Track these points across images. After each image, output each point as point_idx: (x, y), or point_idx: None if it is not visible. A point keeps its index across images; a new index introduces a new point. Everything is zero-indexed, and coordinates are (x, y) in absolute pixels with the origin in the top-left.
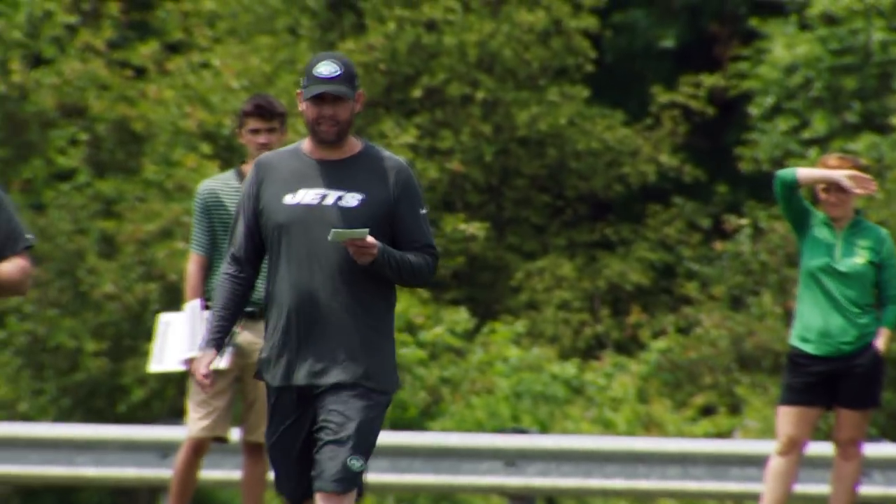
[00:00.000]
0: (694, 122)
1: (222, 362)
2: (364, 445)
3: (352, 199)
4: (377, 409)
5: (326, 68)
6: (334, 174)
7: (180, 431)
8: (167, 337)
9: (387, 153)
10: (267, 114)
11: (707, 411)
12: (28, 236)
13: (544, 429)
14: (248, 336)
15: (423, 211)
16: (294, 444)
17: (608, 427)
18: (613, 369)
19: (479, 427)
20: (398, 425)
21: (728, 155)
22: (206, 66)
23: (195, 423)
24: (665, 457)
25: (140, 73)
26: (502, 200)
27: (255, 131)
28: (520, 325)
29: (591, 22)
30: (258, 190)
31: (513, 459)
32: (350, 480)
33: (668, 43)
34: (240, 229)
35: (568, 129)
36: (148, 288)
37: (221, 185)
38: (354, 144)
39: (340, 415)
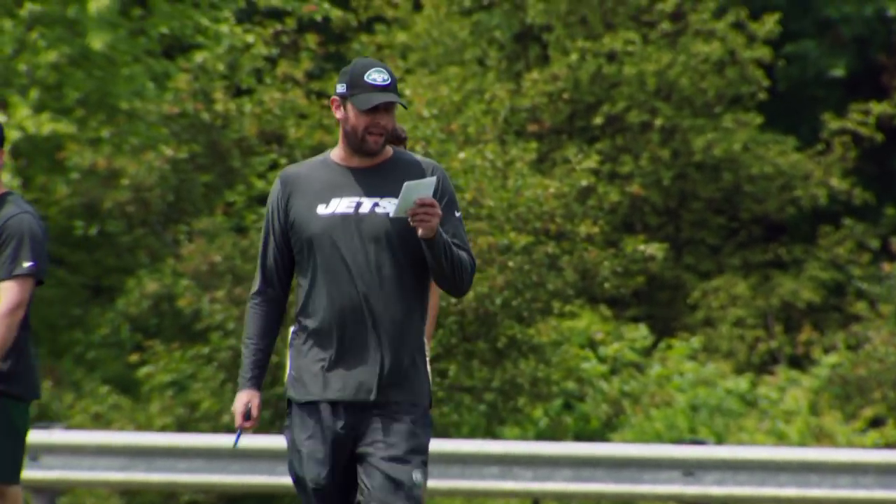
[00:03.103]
0: (863, 148)
1: None
2: (423, 461)
3: (389, 206)
4: (425, 421)
5: (380, 76)
6: (369, 181)
7: None
8: None
9: (419, 157)
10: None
11: (876, 423)
12: (26, 264)
13: (720, 440)
14: None
15: (458, 214)
16: (329, 465)
17: (781, 438)
18: (786, 383)
19: (658, 438)
20: (581, 436)
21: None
22: None
23: None
24: (836, 466)
25: None
26: (680, 222)
27: None
28: (696, 342)
29: (764, 52)
30: (286, 204)
31: (691, 469)
32: (416, 499)
33: (838, 72)
34: (270, 248)
35: (742, 154)
36: None
37: None
38: (385, 150)
39: (394, 431)
